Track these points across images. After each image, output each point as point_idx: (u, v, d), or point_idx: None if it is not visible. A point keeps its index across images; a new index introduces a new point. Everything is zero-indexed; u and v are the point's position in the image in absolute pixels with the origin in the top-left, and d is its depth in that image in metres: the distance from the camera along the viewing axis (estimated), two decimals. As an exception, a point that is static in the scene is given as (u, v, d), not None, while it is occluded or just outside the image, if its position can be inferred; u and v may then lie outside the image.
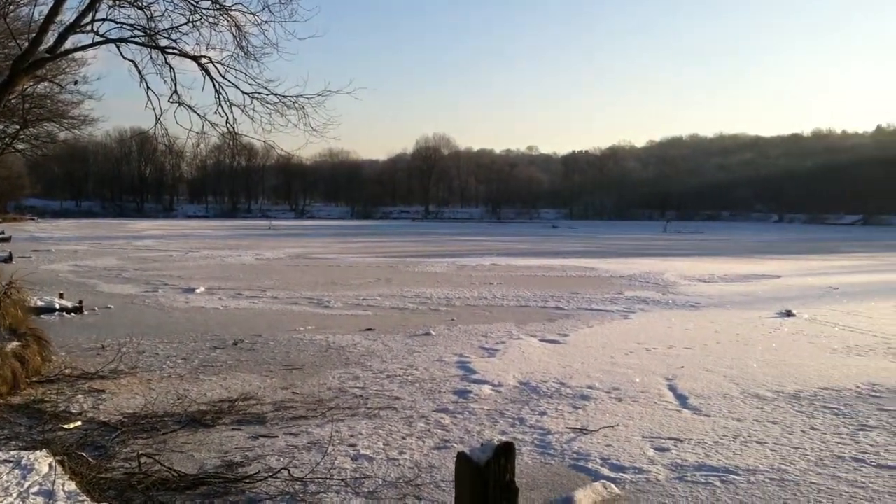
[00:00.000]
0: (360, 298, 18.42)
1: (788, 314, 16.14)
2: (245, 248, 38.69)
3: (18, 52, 10.49)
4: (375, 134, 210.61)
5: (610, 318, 15.71)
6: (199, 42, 11.05)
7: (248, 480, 6.11)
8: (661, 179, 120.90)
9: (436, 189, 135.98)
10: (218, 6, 10.73)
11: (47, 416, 7.88)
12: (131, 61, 10.96)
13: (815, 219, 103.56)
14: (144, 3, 10.62)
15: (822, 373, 10.56)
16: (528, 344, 12.64)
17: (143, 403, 8.47)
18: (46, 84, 24.21)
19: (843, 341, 13.12)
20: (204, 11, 10.72)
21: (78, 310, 15.51)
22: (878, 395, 9.35)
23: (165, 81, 11.13)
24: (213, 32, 10.93)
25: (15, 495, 4.98)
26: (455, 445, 7.03)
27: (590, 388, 9.57)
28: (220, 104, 11.31)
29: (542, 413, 8.37)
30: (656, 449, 7.14)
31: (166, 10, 10.68)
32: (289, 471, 6.25)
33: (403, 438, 7.38)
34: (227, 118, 11.43)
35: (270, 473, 6.21)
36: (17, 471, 5.40)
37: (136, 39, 10.76)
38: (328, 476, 6.27)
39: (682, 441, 7.39)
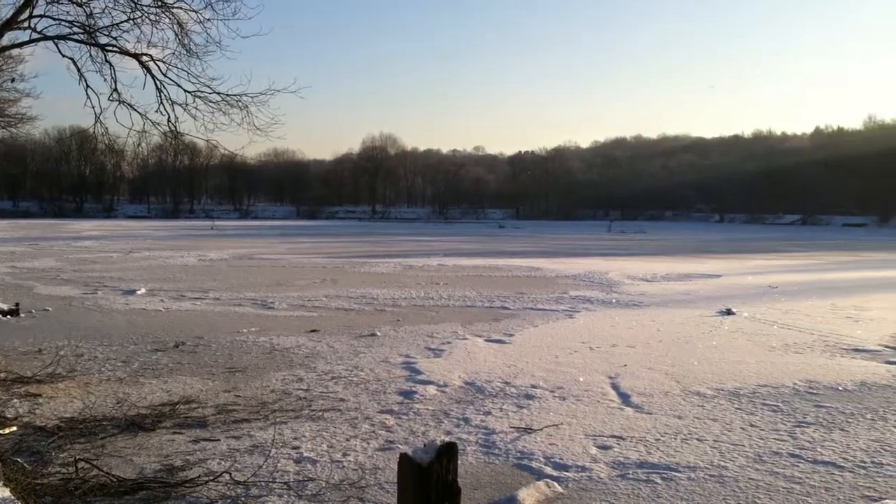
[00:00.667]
0: (305, 299, 18.29)
1: (728, 313, 16.45)
2: (187, 249, 38.12)
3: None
4: (322, 134, 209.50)
5: (555, 317, 15.84)
6: (140, 40, 10.84)
7: (188, 485, 6.02)
8: (606, 180, 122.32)
9: (382, 189, 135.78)
10: (159, 3, 10.54)
11: (-20, 423, 7.67)
12: (70, 59, 10.71)
13: (755, 219, 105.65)
14: (84, 0, 10.38)
15: (761, 370, 10.78)
16: (473, 344, 12.67)
17: (82, 407, 8.29)
18: (-19, 81, 23.55)
19: (782, 339, 13.41)
20: (145, 9, 10.52)
21: (14, 312, 15.11)
22: (814, 391, 9.57)
23: (105, 79, 10.90)
24: (155, 30, 10.73)
25: (-56, 505, 4.84)
26: (400, 446, 7.02)
27: (534, 387, 9.64)
28: (161, 103, 11.11)
29: (487, 413, 8.41)
30: (599, 447, 7.22)
31: (106, 6, 10.45)
32: (230, 474, 6.17)
33: (347, 440, 7.35)
34: (169, 117, 11.23)
35: (211, 477, 6.13)
36: (-53, 479, 5.25)
37: (76, 37, 10.53)
38: (271, 479, 6.22)
39: (624, 439, 7.48)
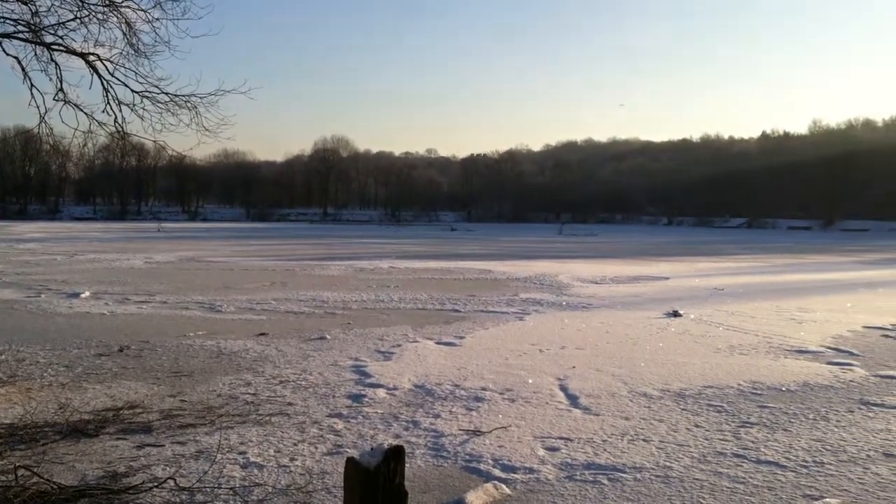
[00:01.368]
0: (254, 302, 18.11)
1: (676, 314, 16.68)
2: (134, 252, 37.51)
3: None
4: (273, 135, 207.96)
5: (505, 319, 15.91)
6: (87, 39, 10.62)
7: (132, 491, 5.91)
8: (557, 183, 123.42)
9: (334, 191, 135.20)
10: (107, 2, 10.33)
11: (-86, 430, 7.44)
12: (14, 58, 10.45)
13: (702, 221, 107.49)
14: (29, -2, 10.14)
15: (707, 371, 10.94)
16: (424, 347, 12.66)
17: (22, 413, 8.09)
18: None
19: (727, 340, 13.63)
20: (92, 7, 10.30)
21: (-48, 317, 14.73)
22: (759, 392, 9.74)
23: (51, 79, 10.66)
24: (103, 29, 10.51)
25: None
26: (348, 450, 6.98)
27: (484, 389, 9.66)
28: (108, 103, 10.90)
29: (437, 415, 8.40)
30: (547, 449, 7.26)
31: (52, 5, 10.21)
32: (175, 480, 6.07)
33: (295, 445, 7.28)
34: (116, 117, 11.01)
35: (156, 483, 6.02)
36: None
37: (20, 35, 10.28)
38: (216, 485, 6.13)
39: (572, 440, 7.53)
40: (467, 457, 7.01)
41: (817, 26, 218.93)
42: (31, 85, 10.58)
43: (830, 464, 6.89)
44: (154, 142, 11.55)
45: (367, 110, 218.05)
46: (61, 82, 10.69)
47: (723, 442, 7.55)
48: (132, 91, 10.87)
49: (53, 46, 10.48)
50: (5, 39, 10.19)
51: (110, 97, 10.88)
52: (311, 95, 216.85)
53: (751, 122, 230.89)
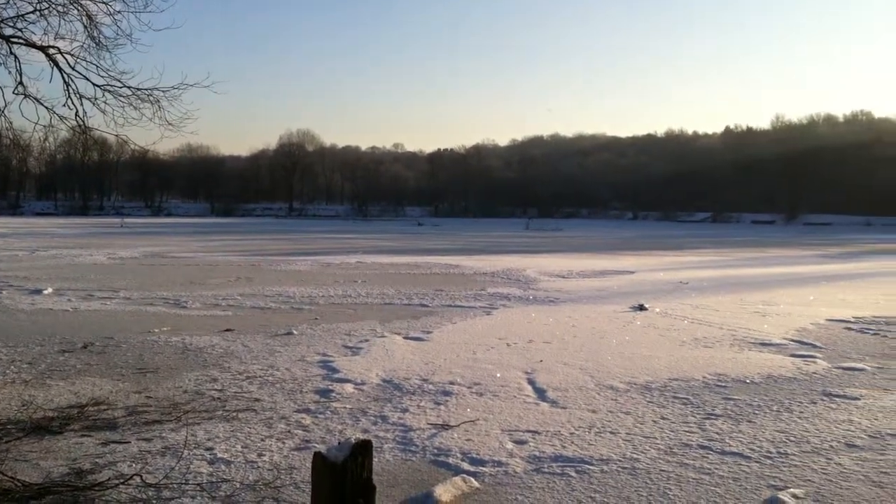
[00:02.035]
0: (220, 298, 17.96)
1: (641, 308, 16.82)
2: (97, 247, 37.01)
3: None
4: (238, 129, 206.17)
5: (473, 314, 15.94)
6: (47, 31, 10.45)
7: (97, 488, 5.84)
8: (524, 178, 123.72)
9: (300, 186, 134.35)
10: (68, -6, 10.18)
11: None
12: (-28, 51, 10.26)
13: (667, 216, 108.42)
14: (-14, -10, 9.95)
15: (672, 364, 11.06)
16: (391, 341, 12.65)
17: (-17, 412, 7.97)
18: None
19: (692, 333, 13.78)
20: (53, 0, 10.16)
21: None
22: (723, 384, 9.86)
23: (10, 72, 10.47)
24: (63, 22, 10.35)
25: None
26: (316, 445, 6.95)
27: (452, 383, 9.68)
28: (69, 97, 10.72)
29: (405, 410, 8.40)
30: (515, 442, 7.30)
31: (11, -4, 10.05)
32: (141, 477, 6.02)
33: (263, 440, 7.25)
34: (77, 111, 10.84)
35: (122, 480, 5.97)
36: None
37: (-23, 28, 10.09)
38: (183, 481, 6.09)
39: (539, 433, 7.58)
40: (436, 450, 7.02)
41: (779, 23, 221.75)
42: (-10, 78, 10.40)
43: (794, 454, 7.00)
44: (116, 136, 11.38)
45: (334, 105, 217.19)
46: (21, 76, 10.50)
47: (688, 434, 7.64)
48: (94, 85, 10.71)
49: (13, 39, 10.30)
50: (-37, 33, 10.00)
51: (71, 91, 10.71)
52: (276, 90, 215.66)
53: (715, 118, 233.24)
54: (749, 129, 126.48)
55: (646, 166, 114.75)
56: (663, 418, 8.20)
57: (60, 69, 10.57)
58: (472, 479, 6.25)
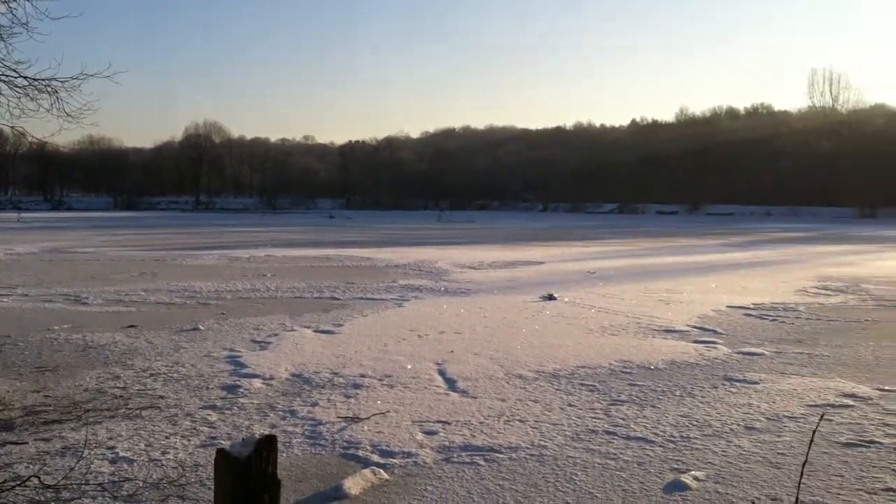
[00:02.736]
0: (123, 294, 17.44)
1: (550, 298, 17.05)
2: (-7, 243, 35.49)
3: None
4: (143, 121, 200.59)
5: (384, 306, 15.89)
6: (-63, 20, 9.93)
7: (-10, 493, 5.60)
8: (436, 170, 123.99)
9: (207, 179, 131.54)
10: (-43, -20, 9.69)
11: None
12: None
13: (576, 207, 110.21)
14: None
15: (580, 352, 11.24)
16: (301, 335, 12.51)
17: None
18: None
19: (599, 322, 14.04)
20: (-58, -13, 9.65)
21: None
22: (629, 371, 10.07)
23: None
24: (-46, 10, 9.86)
25: None
26: (222, 442, 6.81)
27: (363, 376, 9.62)
28: (-39, 88, 10.24)
29: (314, 404, 8.32)
30: (425, 432, 7.30)
31: None
32: (39, 478, 5.79)
33: (167, 438, 7.07)
34: (-30, 103, 10.38)
35: (18, 482, 5.72)
36: None
37: None
38: (84, 482, 5.88)
39: (449, 423, 7.60)
40: (345, 444, 6.97)
41: (682, 17, 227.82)
42: None
43: (696, 438, 7.19)
44: (12, 128, 10.96)
45: (243, 97, 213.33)
46: None
47: (595, 420, 7.77)
48: (-13, 75, 10.26)
49: None
50: None
51: (-37, 82, 10.23)
52: (183, 81, 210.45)
53: (622, 111, 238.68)
54: (655, 122, 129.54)
55: (555, 158, 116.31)
56: (570, 405, 8.33)
57: (-50, 59, 10.07)
58: (382, 471, 6.23)
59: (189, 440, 7.02)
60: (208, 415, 7.86)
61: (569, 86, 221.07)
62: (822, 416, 6.90)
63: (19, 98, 10.41)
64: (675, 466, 6.42)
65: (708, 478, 6.16)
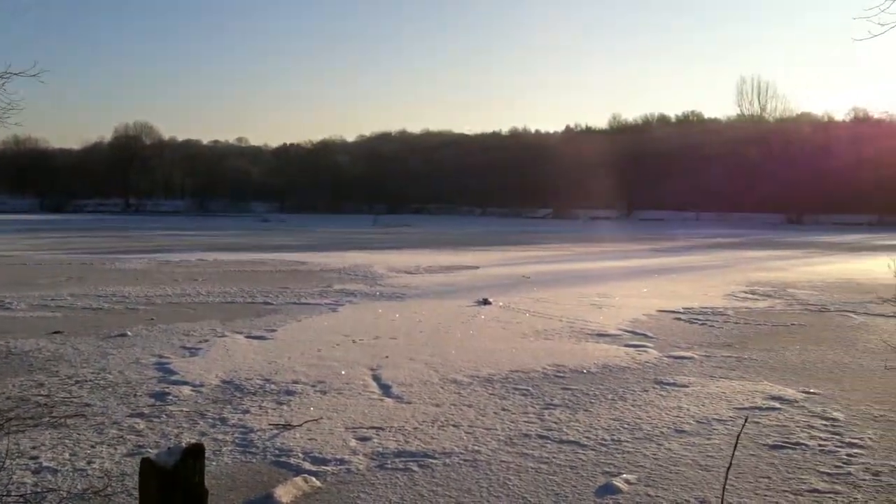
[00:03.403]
0: (48, 299, 16.95)
1: (485, 302, 17.11)
2: None
3: None
4: (71, 122, 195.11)
5: (319, 311, 15.75)
6: None
7: None
8: (372, 174, 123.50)
9: (137, 181, 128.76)
10: None
11: None
12: None
13: (512, 212, 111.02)
14: None
15: (514, 357, 11.30)
16: (233, 341, 12.32)
17: None
18: None
19: (533, 326, 14.14)
20: None
21: None
22: (562, 374, 10.16)
23: None
24: None
25: None
26: (150, 451, 6.64)
27: (295, 382, 9.52)
28: None
29: (246, 411, 8.19)
30: (358, 439, 7.25)
31: None
32: (-46, 493, 5.58)
33: (93, 447, 6.88)
34: None
35: (-69, 498, 5.52)
36: None
37: None
38: (5, 493, 5.69)
39: (383, 429, 7.56)
40: (277, 451, 6.88)
41: (618, 26, 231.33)
42: None
43: (627, 441, 7.29)
44: (-70, 128, 10.55)
45: (174, 99, 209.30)
46: None
47: (528, 424, 7.82)
48: None
49: None
50: None
51: None
52: (113, 81, 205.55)
53: (557, 118, 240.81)
54: (588, 129, 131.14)
55: (492, 164, 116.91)
56: (504, 409, 8.36)
57: None
58: (314, 479, 6.16)
59: (115, 449, 6.85)
60: (136, 423, 7.68)
61: (504, 91, 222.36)
62: (746, 420, 7.06)
63: (-61, 98, 10.05)
64: (607, 470, 6.49)
65: (639, 480, 6.24)
